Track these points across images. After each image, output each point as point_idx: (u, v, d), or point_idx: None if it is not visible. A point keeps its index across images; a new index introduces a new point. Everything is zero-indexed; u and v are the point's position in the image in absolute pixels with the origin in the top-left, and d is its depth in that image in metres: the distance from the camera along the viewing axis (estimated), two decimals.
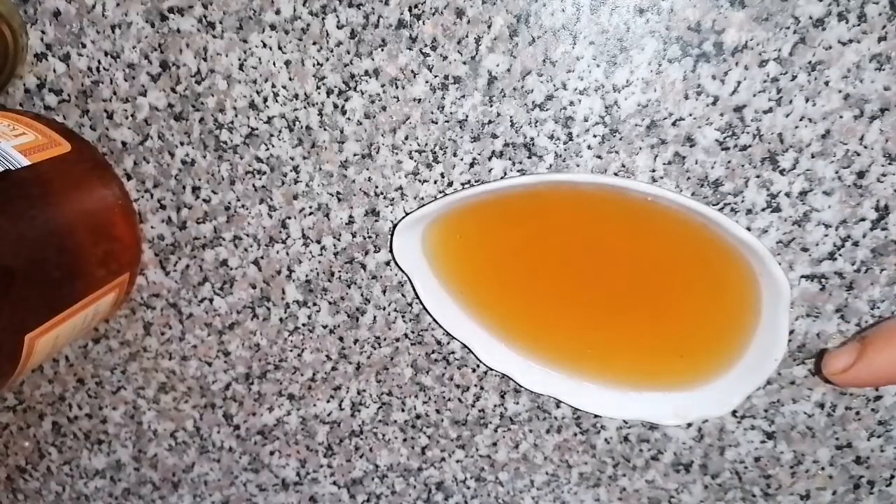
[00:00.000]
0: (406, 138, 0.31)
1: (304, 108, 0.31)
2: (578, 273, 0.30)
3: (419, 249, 0.31)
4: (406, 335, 0.34)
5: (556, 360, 0.32)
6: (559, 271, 0.30)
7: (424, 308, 0.32)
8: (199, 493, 0.40)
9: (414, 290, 0.31)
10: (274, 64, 0.30)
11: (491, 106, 0.29)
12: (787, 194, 0.29)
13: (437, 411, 0.35)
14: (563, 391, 0.32)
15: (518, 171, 0.30)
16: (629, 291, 0.29)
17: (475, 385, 0.35)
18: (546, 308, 0.31)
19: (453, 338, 0.32)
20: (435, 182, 0.31)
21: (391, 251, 0.31)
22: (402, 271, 0.31)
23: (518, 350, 0.32)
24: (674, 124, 0.28)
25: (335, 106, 0.31)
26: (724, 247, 0.27)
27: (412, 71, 0.29)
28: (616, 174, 0.29)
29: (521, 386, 0.33)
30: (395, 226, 0.31)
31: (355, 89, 0.30)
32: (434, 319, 0.32)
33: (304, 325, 0.35)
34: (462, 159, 0.30)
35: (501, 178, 0.30)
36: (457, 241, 0.31)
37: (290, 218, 0.33)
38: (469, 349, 0.32)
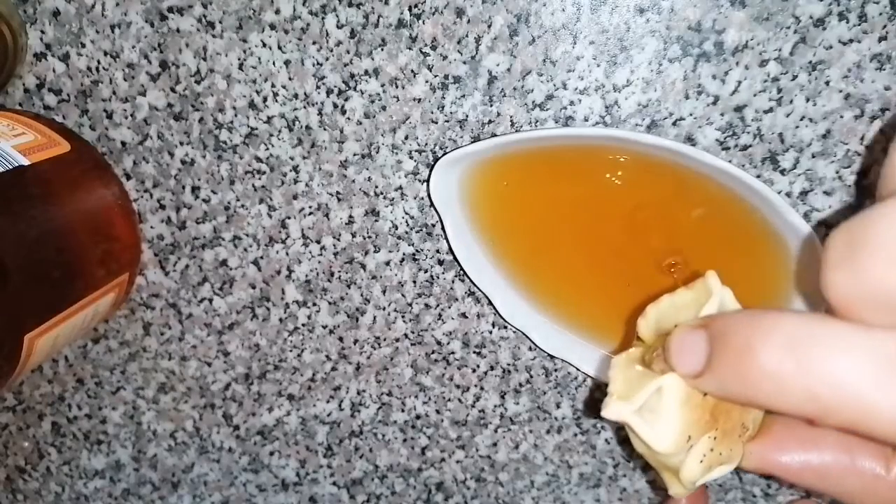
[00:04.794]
0: (406, 138, 0.30)
1: (304, 107, 0.31)
2: (616, 239, 0.29)
3: (455, 190, 0.30)
4: (406, 335, 0.34)
5: (577, 326, 0.31)
6: (598, 235, 0.30)
7: (451, 251, 0.31)
8: (199, 493, 0.40)
9: (443, 230, 0.31)
10: (274, 64, 0.30)
11: (491, 106, 0.29)
12: (788, 194, 0.29)
13: (437, 411, 0.35)
14: (580, 358, 0.31)
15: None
16: (666, 266, 0.29)
17: (475, 385, 0.35)
18: (576, 272, 0.30)
19: (476, 286, 0.31)
20: None
21: (427, 186, 0.30)
22: (435, 210, 0.31)
23: (540, 311, 0.32)
24: (674, 124, 0.28)
25: (335, 106, 0.31)
26: (769, 231, 0.27)
27: (412, 71, 0.29)
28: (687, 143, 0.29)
29: (536, 345, 0.32)
30: (436, 160, 0.30)
31: (355, 89, 0.30)
32: (458, 263, 0.31)
33: (303, 325, 0.35)
34: None
35: (557, 127, 0.30)
36: (500, 189, 0.30)
37: (289, 218, 0.33)
38: (490, 301, 0.31)
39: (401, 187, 0.31)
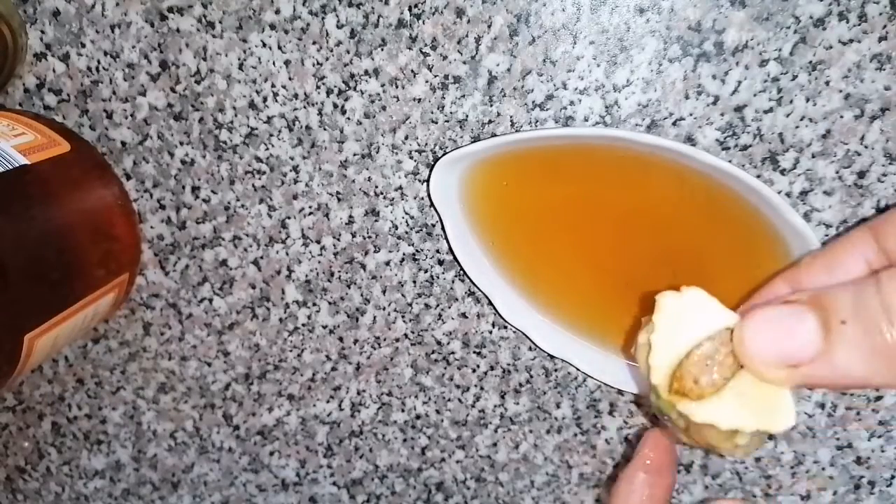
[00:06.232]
0: (406, 138, 0.30)
1: (304, 107, 0.31)
2: (616, 239, 0.29)
3: (455, 190, 0.30)
4: (406, 335, 0.34)
5: (577, 326, 0.31)
6: (597, 235, 0.30)
7: (451, 251, 0.31)
8: (199, 493, 0.40)
9: (443, 230, 0.31)
10: (274, 64, 0.30)
11: (491, 106, 0.29)
12: (788, 194, 0.29)
13: (437, 411, 0.35)
14: (580, 358, 0.31)
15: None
16: (666, 266, 0.29)
17: (475, 385, 0.35)
18: (576, 272, 0.30)
19: (476, 286, 0.31)
20: None
21: (427, 186, 0.30)
22: (435, 210, 0.31)
23: (540, 311, 0.32)
24: (674, 124, 0.28)
25: (335, 106, 0.31)
26: (769, 231, 0.27)
27: (412, 71, 0.29)
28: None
29: (536, 345, 0.32)
30: (436, 160, 0.30)
31: (355, 89, 0.30)
32: (458, 263, 0.31)
33: (303, 325, 0.35)
34: None
35: (557, 127, 0.30)
36: (500, 189, 0.30)
37: (289, 218, 0.33)
38: (490, 300, 0.31)
39: (401, 187, 0.31)
